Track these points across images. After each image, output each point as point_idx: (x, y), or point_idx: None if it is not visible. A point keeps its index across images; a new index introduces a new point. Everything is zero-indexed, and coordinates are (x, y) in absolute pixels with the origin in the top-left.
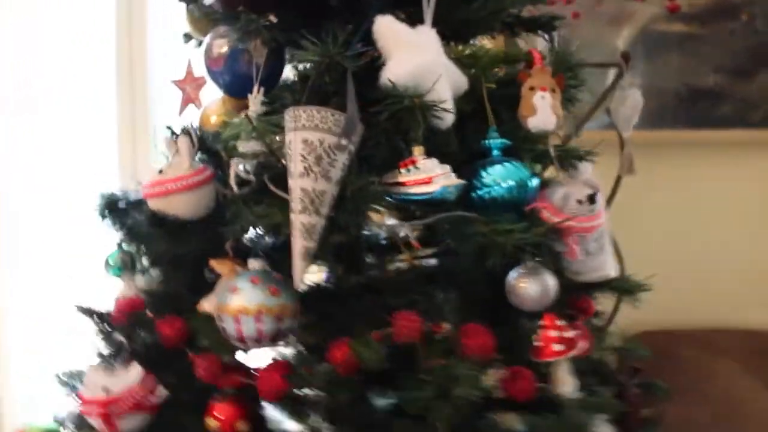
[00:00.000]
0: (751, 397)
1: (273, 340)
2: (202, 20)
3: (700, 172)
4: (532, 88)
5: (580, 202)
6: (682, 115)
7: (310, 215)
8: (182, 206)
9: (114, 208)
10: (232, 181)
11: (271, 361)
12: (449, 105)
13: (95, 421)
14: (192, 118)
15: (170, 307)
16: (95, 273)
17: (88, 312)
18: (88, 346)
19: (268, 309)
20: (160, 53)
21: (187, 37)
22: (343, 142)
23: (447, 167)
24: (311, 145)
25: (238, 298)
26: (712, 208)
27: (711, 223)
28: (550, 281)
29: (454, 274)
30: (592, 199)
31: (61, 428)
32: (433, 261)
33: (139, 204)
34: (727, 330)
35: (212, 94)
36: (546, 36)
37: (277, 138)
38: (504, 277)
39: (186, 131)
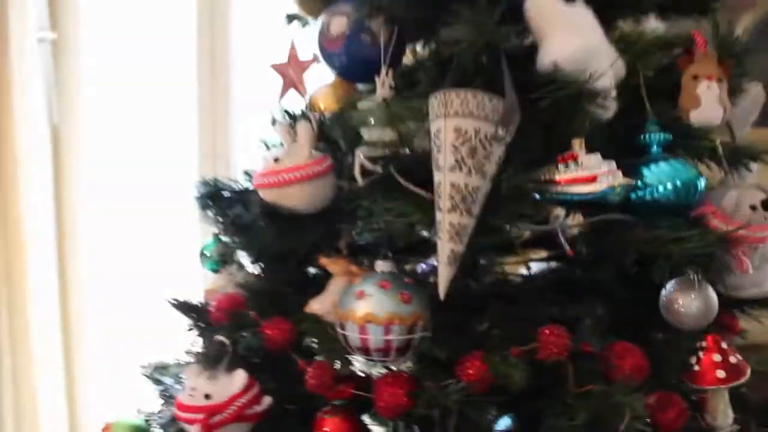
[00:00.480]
0: None
1: (401, 352)
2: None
3: None
4: (695, 77)
5: (753, 208)
6: None
7: (461, 215)
8: (299, 198)
9: (217, 198)
10: (357, 173)
11: (390, 374)
12: (613, 93)
13: (192, 428)
14: (293, 103)
15: (274, 306)
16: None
17: (185, 307)
18: (167, 343)
19: (400, 318)
20: (243, 42)
21: (291, 18)
22: (501, 132)
23: (613, 164)
24: (465, 134)
25: (366, 305)
26: None
27: None
28: (713, 297)
29: (599, 284)
30: (766, 204)
31: (150, 425)
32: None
33: (244, 194)
34: None
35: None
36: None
37: (411, 125)
38: (650, 289)
39: (306, 116)
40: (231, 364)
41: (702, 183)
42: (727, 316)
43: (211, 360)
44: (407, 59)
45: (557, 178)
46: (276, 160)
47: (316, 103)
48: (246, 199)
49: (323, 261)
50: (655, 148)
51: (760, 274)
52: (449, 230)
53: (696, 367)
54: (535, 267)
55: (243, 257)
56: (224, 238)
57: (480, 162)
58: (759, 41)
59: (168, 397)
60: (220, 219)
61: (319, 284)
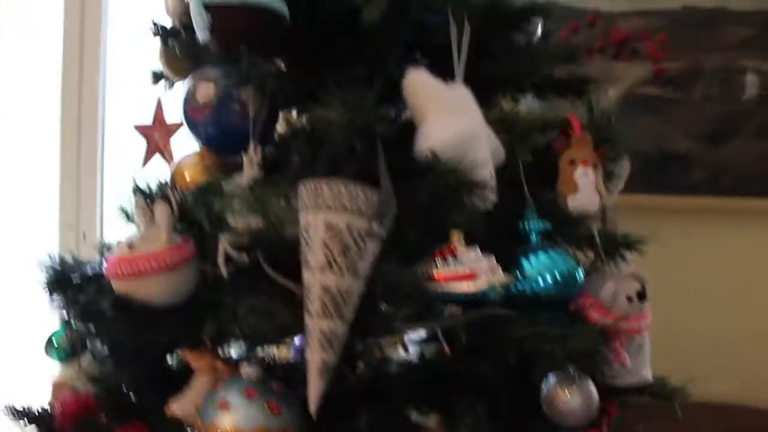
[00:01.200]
0: None
1: None
2: (181, 60)
3: (668, 239)
4: (572, 162)
5: (629, 299)
6: (654, 179)
7: (332, 320)
8: (157, 290)
9: (65, 283)
10: (221, 262)
11: None
12: (493, 182)
13: None
14: (158, 169)
15: (129, 407)
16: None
17: (25, 416)
18: None
19: (272, 430)
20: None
21: (157, 77)
22: (376, 227)
23: (492, 259)
24: (336, 230)
25: (230, 418)
26: (676, 276)
27: (675, 291)
28: (594, 392)
29: (479, 377)
30: (642, 295)
31: None
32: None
33: (97, 278)
34: (694, 404)
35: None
36: (578, 100)
37: (280, 212)
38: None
39: (165, 196)
40: None
41: (581, 274)
42: (608, 405)
43: None
44: (281, 127)
45: (435, 274)
46: (130, 246)
47: (181, 174)
48: (100, 284)
49: (185, 355)
50: (534, 237)
51: (635, 363)
52: (320, 338)
53: None
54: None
55: (95, 346)
56: (75, 326)
57: (353, 261)
58: (621, 114)
59: None
60: (69, 306)
61: (180, 379)
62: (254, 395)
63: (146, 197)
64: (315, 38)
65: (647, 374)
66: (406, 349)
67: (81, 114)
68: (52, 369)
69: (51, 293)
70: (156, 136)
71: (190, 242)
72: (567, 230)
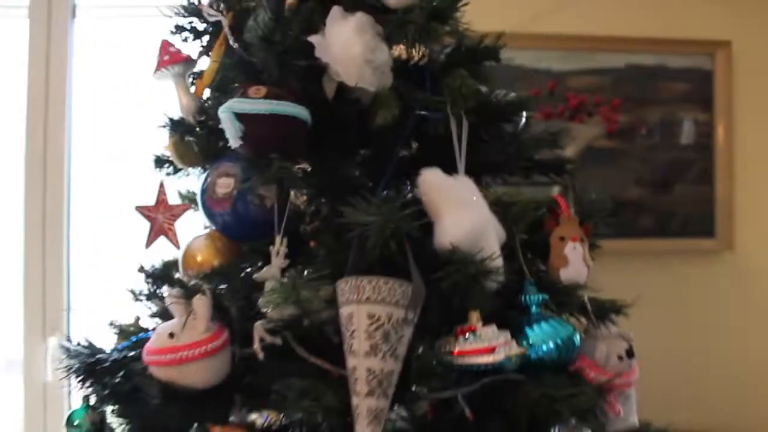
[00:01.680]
0: None
1: None
2: (193, 153)
3: (624, 279)
4: (562, 239)
5: (620, 357)
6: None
7: (378, 399)
8: (199, 376)
9: (93, 367)
10: (257, 347)
11: None
12: (501, 264)
13: None
14: (162, 251)
15: None
16: None
17: None
18: None
19: None
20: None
21: (160, 163)
22: (410, 315)
23: (507, 334)
24: (378, 320)
25: None
26: (632, 312)
27: (633, 327)
28: None
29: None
30: (630, 353)
31: None
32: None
33: (123, 363)
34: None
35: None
36: (559, 179)
37: (316, 306)
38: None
39: (203, 291)
40: None
41: (578, 338)
42: None
43: None
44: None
45: (458, 349)
46: (171, 335)
47: (192, 256)
48: (126, 367)
49: (216, 430)
50: (534, 308)
51: (624, 411)
52: (367, 415)
53: None
54: None
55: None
56: (95, 405)
57: (393, 346)
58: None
59: None
60: (99, 390)
61: None
62: None
63: (186, 293)
64: (331, 137)
65: (634, 420)
66: None
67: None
68: None
69: (83, 381)
70: (160, 219)
71: (225, 329)
72: (560, 299)
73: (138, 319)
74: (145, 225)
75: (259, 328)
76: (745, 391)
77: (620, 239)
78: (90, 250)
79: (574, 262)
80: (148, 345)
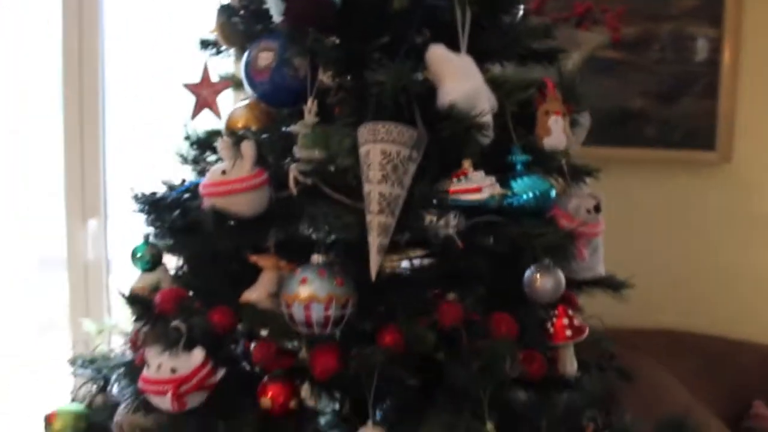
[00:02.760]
0: (670, 387)
1: (336, 324)
2: (238, 33)
3: (626, 186)
4: (546, 113)
5: (588, 211)
6: (613, 134)
7: (386, 216)
8: (244, 205)
9: (156, 206)
10: (292, 184)
11: (322, 344)
12: (491, 124)
13: (162, 399)
14: (206, 121)
15: (211, 299)
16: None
17: (133, 300)
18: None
19: (336, 298)
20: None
21: (205, 44)
22: (414, 154)
23: (493, 179)
24: (389, 155)
25: (309, 288)
26: (635, 218)
27: (633, 233)
28: (562, 278)
29: (475, 272)
30: (597, 208)
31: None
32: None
33: (180, 202)
34: (644, 331)
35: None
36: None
37: (338, 147)
38: (515, 275)
39: (248, 136)
40: (186, 345)
41: (553, 192)
42: (570, 293)
43: (170, 342)
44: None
45: (452, 188)
46: (223, 172)
47: (234, 122)
48: (182, 206)
49: (254, 258)
50: (519, 166)
51: (592, 261)
52: (378, 228)
53: (551, 329)
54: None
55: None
56: (154, 241)
57: (400, 177)
58: (583, 74)
59: (102, 384)
60: (160, 224)
61: (243, 281)
62: (325, 274)
63: (236, 139)
64: (356, 18)
65: (601, 270)
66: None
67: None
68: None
69: (148, 215)
70: (204, 94)
71: (265, 171)
72: (543, 162)
73: (184, 180)
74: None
75: (293, 169)
76: (739, 297)
77: (623, 147)
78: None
79: (555, 132)
80: (204, 181)
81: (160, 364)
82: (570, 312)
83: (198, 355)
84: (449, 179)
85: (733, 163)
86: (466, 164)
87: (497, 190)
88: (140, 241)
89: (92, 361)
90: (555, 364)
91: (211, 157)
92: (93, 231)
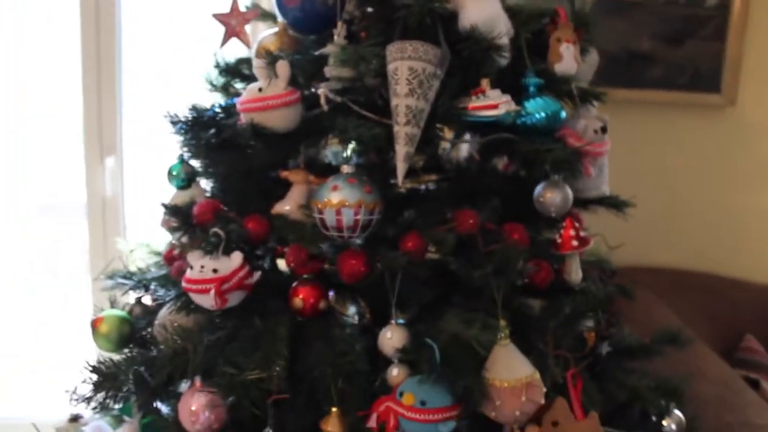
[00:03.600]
0: (666, 316)
1: (364, 229)
2: None
3: (632, 127)
4: (558, 40)
5: (595, 131)
6: (621, 75)
7: (413, 127)
8: (280, 120)
9: (194, 124)
10: (323, 101)
11: (349, 250)
12: (507, 43)
13: (205, 297)
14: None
15: (244, 210)
16: None
17: (173, 210)
18: None
19: (366, 203)
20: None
21: None
22: (438, 71)
23: (508, 97)
24: (415, 71)
25: (339, 195)
26: (639, 159)
27: (637, 173)
28: (569, 193)
29: (490, 187)
30: (604, 129)
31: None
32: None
33: (216, 121)
34: (644, 268)
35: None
36: None
37: (368, 66)
38: (525, 192)
39: (282, 57)
40: (225, 250)
41: (563, 113)
42: (576, 211)
43: (211, 246)
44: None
45: (471, 105)
46: (260, 90)
47: (266, 47)
48: (217, 125)
49: (285, 173)
50: (532, 89)
51: (597, 180)
52: (405, 138)
53: (558, 240)
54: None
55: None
56: (189, 160)
57: (425, 91)
58: (596, 16)
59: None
60: (194, 141)
61: (273, 195)
62: (354, 181)
63: (271, 59)
64: None
65: (606, 190)
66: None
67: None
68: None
69: (186, 132)
70: (233, 23)
71: (297, 90)
72: (554, 86)
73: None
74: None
75: (324, 88)
76: (738, 237)
77: (629, 89)
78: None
79: (566, 58)
80: (241, 98)
81: (202, 265)
82: (576, 224)
83: (237, 257)
84: (468, 96)
85: (738, 106)
86: (484, 83)
87: (512, 107)
88: (173, 162)
89: (127, 276)
90: (561, 274)
91: (239, 84)
92: (110, 168)
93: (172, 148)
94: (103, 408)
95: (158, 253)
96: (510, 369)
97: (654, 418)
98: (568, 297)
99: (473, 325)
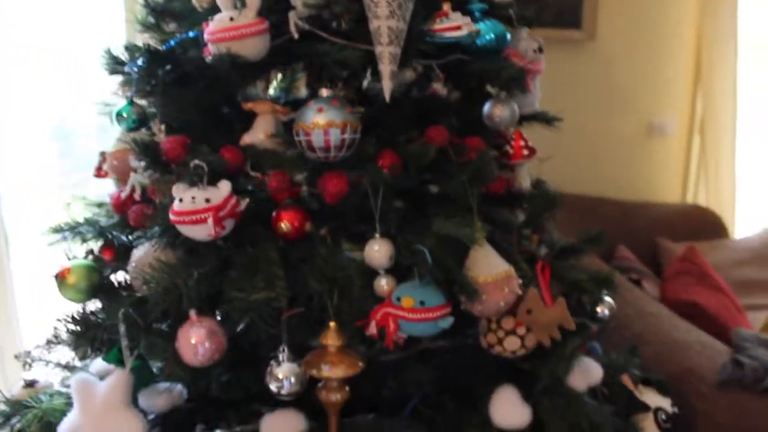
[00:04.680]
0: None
1: (348, 148)
2: None
3: None
4: None
5: (534, 51)
6: None
7: (395, 47)
8: (252, 48)
9: (153, 60)
10: (293, 29)
11: (330, 171)
12: None
13: (201, 227)
14: None
15: (211, 143)
16: None
17: (142, 147)
18: None
19: (351, 123)
20: None
21: None
22: None
23: (468, 19)
24: None
25: (326, 116)
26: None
27: None
28: (516, 108)
29: (450, 106)
30: (540, 49)
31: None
32: None
33: (174, 55)
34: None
35: None
36: None
37: None
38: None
39: None
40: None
41: (508, 36)
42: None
43: (196, 177)
44: None
45: (436, 27)
46: (231, 19)
47: None
48: (176, 59)
49: (250, 105)
50: (477, 14)
51: (533, 97)
52: (389, 57)
53: (510, 151)
54: None
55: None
56: (138, 101)
57: (404, 13)
58: None
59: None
60: (150, 79)
61: (234, 130)
62: (337, 103)
63: None
64: None
65: (537, 106)
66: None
67: None
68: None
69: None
70: None
71: (264, 19)
72: (494, 12)
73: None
74: None
75: (293, 16)
76: (601, 160)
77: None
78: None
79: None
80: (210, 29)
81: (193, 196)
82: (524, 136)
83: (225, 185)
84: (433, 19)
85: (597, 40)
86: (446, 6)
87: (474, 27)
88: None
89: (75, 228)
90: (512, 183)
91: (171, 25)
92: None
93: None
94: (82, 358)
95: (98, 204)
96: (490, 266)
97: (588, 308)
98: (521, 202)
99: (461, 225)
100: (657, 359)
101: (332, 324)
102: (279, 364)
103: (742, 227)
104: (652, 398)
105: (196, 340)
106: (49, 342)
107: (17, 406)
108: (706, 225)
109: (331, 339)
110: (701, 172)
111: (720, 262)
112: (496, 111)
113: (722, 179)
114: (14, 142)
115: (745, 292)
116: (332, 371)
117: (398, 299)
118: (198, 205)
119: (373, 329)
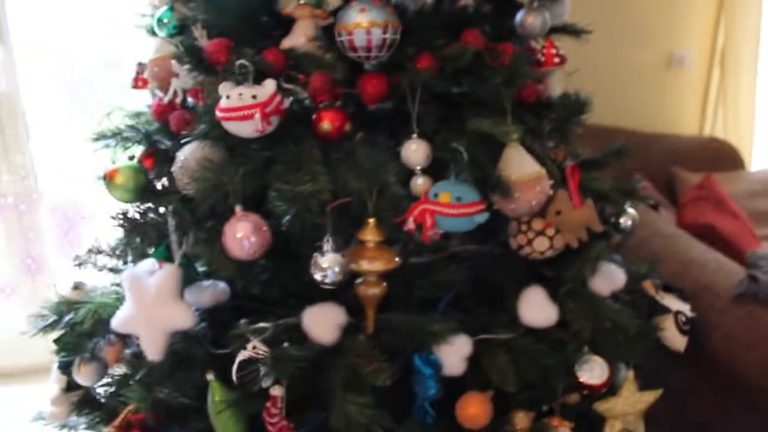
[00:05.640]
0: None
1: (389, 48)
2: None
3: None
4: None
5: None
6: None
7: None
8: None
9: None
10: None
11: (370, 72)
12: None
13: (248, 123)
14: None
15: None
16: None
17: (190, 51)
18: None
19: (392, 23)
20: None
21: None
22: None
23: None
24: None
25: (368, 16)
26: None
27: None
28: (548, 16)
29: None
30: None
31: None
32: None
33: None
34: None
35: None
36: None
37: None
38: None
39: None
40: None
41: None
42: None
43: (242, 77)
44: None
45: None
46: None
47: None
48: None
49: (289, 10)
50: None
51: (563, 7)
52: None
53: (542, 58)
54: None
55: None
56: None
57: None
58: None
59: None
60: None
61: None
62: (379, 3)
63: None
64: None
65: (565, 19)
66: None
67: None
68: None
69: None
70: None
71: None
72: None
73: None
74: None
75: None
76: (618, 89)
77: None
78: None
79: None
80: None
81: (240, 93)
82: (555, 44)
83: (270, 83)
84: None
85: None
86: None
87: None
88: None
89: (119, 133)
90: (542, 93)
91: None
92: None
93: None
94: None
95: (136, 115)
96: (523, 166)
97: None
98: (551, 111)
99: (497, 123)
100: (674, 277)
101: (371, 220)
102: (323, 254)
103: (759, 160)
104: (673, 302)
105: (243, 234)
106: (90, 250)
107: (70, 304)
108: (724, 157)
109: (371, 234)
110: (720, 105)
111: (736, 193)
112: (529, 19)
113: (741, 112)
114: None
115: (759, 223)
116: (371, 265)
117: (435, 195)
118: (245, 102)
119: (411, 224)
